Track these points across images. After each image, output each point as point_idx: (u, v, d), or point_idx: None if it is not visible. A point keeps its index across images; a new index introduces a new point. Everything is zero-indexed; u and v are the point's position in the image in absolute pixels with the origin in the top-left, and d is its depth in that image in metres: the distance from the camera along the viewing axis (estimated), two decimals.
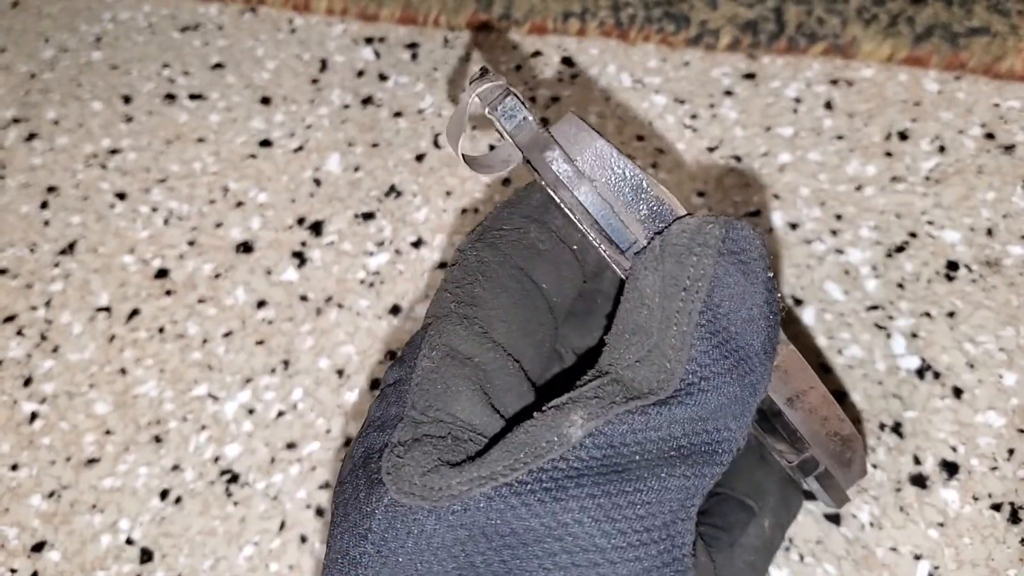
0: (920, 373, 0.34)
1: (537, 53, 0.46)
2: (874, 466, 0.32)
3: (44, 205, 0.45)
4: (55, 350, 0.39)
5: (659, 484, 0.17)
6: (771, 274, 0.19)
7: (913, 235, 0.37)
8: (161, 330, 0.39)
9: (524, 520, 0.16)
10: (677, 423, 0.17)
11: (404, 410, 0.19)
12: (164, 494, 0.35)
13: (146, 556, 0.33)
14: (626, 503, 0.17)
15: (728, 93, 0.43)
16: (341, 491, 0.19)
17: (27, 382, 0.39)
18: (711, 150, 0.41)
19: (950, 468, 0.32)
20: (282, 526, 0.33)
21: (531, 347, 0.21)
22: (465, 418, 0.19)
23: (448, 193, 0.42)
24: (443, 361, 0.20)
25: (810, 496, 0.30)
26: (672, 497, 0.17)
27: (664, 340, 0.18)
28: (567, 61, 0.46)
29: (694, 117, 0.42)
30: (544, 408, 0.18)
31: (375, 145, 0.44)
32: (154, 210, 0.43)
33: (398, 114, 0.45)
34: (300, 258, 0.40)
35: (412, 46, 0.48)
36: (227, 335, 0.39)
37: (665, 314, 0.18)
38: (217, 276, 0.41)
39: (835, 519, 0.31)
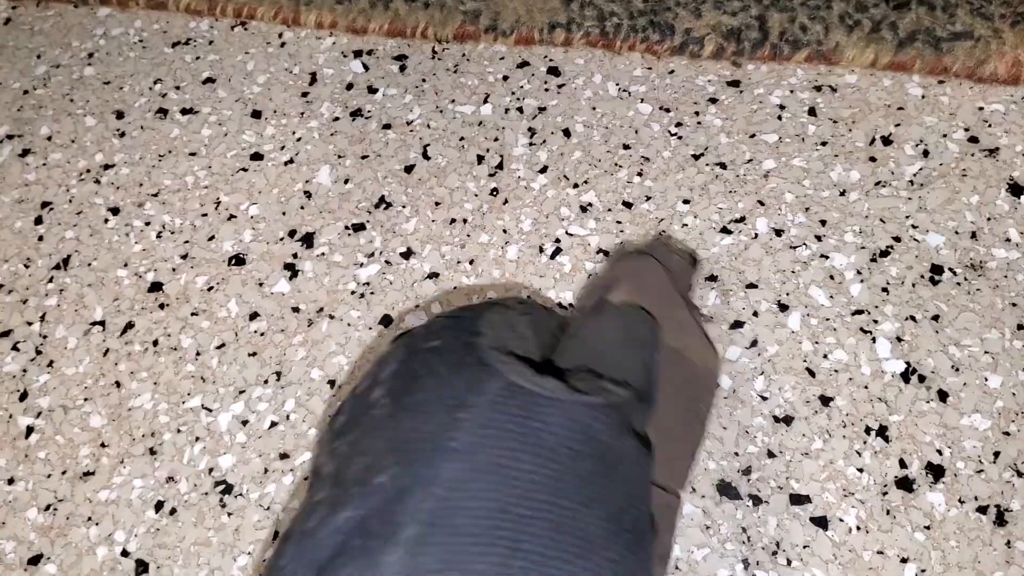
0: (905, 377, 0.34)
1: (524, 63, 0.47)
2: (860, 470, 0.32)
3: (38, 220, 0.45)
4: (50, 364, 0.40)
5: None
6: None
7: (897, 239, 0.37)
8: (155, 343, 0.40)
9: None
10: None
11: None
12: (159, 506, 0.35)
13: (141, 567, 0.34)
14: None
15: (713, 100, 0.43)
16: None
17: (23, 396, 0.39)
18: (696, 157, 0.42)
19: (936, 471, 0.32)
20: (276, 536, 0.34)
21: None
22: None
23: (437, 204, 0.42)
24: None
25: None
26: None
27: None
28: (553, 71, 0.46)
29: (679, 125, 0.43)
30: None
31: (364, 157, 0.44)
32: (147, 224, 0.44)
33: (387, 126, 0.45)
34: (292, 270, 0.41)
35: (400, 58, 0.48)
36: (220, 347, 0.39)
37: None
38: (210, 289, 0.41)
39: (822, 523, 0.31)
